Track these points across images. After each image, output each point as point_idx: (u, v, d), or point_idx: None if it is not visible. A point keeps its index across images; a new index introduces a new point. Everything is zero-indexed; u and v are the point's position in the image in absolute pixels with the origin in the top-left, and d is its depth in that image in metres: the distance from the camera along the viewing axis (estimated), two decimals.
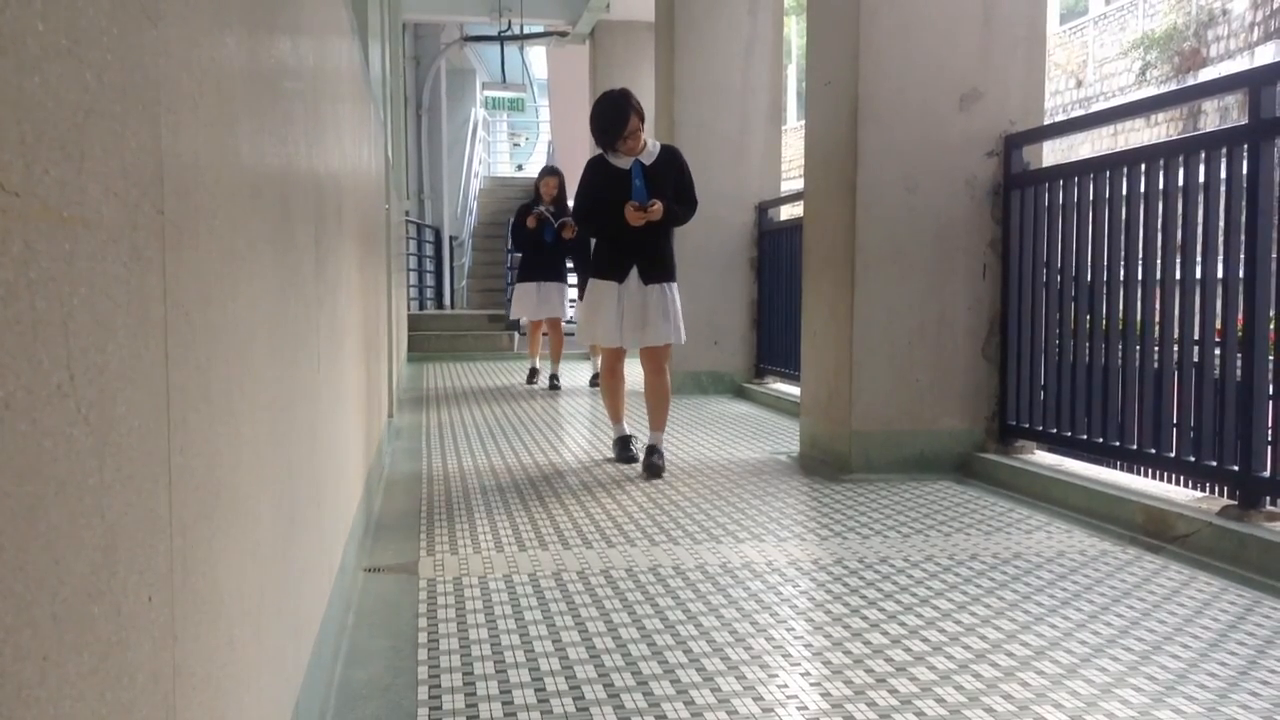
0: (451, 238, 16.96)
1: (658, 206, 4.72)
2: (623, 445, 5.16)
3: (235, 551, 1.27)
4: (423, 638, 2.58)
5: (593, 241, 6.21)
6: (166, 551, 0.95)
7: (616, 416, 5.21)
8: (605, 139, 4.84)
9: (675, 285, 4.94)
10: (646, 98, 9.14)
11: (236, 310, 1.29)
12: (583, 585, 3.00)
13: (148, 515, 0.89)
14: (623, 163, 4.88)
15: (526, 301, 8.49)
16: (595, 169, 4.98)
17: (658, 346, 4.91)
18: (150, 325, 0.88)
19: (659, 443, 4.88)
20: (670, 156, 4.94)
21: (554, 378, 8.50)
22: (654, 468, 4.73)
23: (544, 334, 8.87)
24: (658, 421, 4.94)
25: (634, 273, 4.84)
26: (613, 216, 4.79)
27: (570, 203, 6.17)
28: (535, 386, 8.55)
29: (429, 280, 15.66)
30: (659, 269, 4.87)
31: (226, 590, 1.21)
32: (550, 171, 8.59)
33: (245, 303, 1.35)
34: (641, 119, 4.82)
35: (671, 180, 4.88)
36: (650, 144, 4.92)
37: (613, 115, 4.81)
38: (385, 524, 3.81)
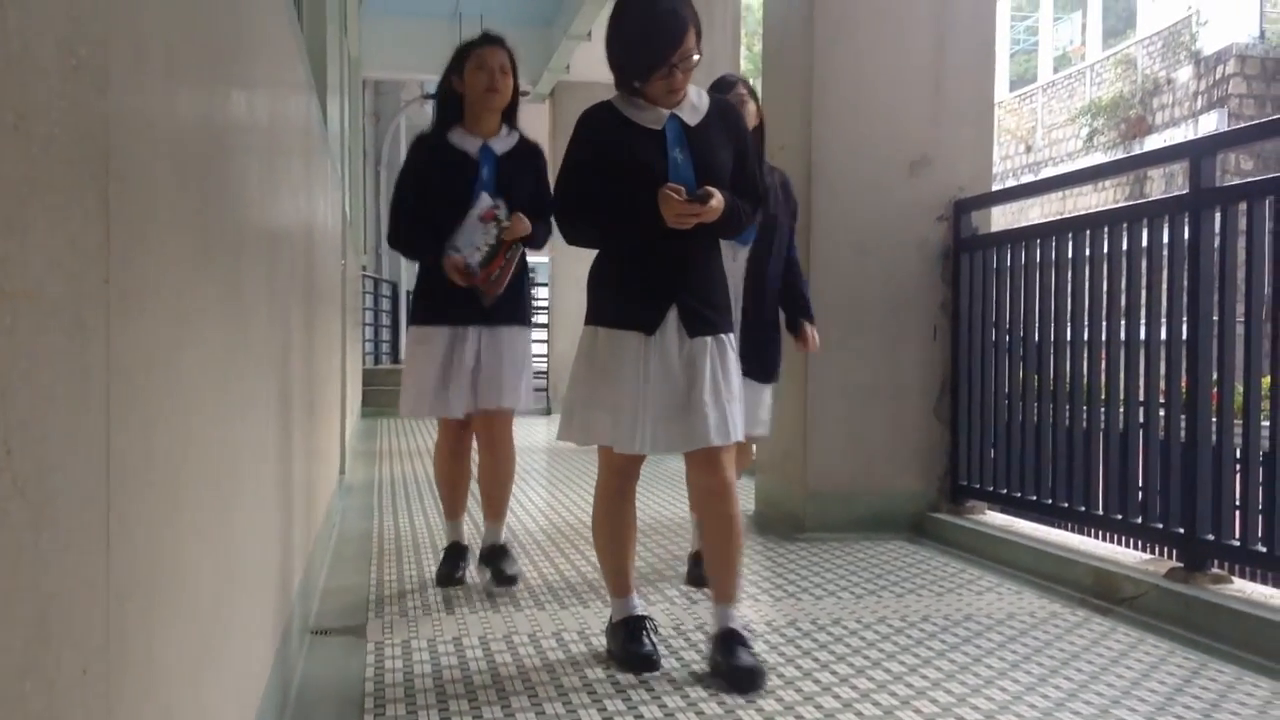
0: (408, 292, 16.92)
1: (717, 199, 2.71)
2: (632, 632, 2.85)
3: (175, 618, 1.25)
4: (369, 703, 2.53)
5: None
6: (103, 622, 0.93)
7: (622, 580, 2.94)
8: (642, 65, 2.74)
9: (735, 338, 2.92)
10: None
11: (182, 372, 1.28)
12: (534, 648, 2.97)
13: (84, 585, 0.88)
14: (650, 118, 2.80)
15: (425, 373, 3.58)
16: (600, 126, 2.86)
17: (722, 448, 2.76)
18: (91, 394, 0.87)
19: (733, 623, 2.76)
20: (724, 115, 2.90)
21: (498, 552, 3.69)
22: (744, 675, 2.64)
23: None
24: (725, 587, 2.80)
25: (673, 316, 2.76)
26: (637, 213, 2.74)
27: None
28: (465, 577, 3.74)
29: (385, 335, 15.60)
30: (714, 309, 2.82)
31: (164, 658, 1.19)
32: (486, 40, 3.65)
33: (192, 365, 1.34)
34: (700, 38, 2.77)
35: (728, 153, 2.86)
36: (692, 91, 2.87)
37: (659, 24, 2.72)
38: (334, 584, 3.76)
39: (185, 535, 1.30)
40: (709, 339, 2.76)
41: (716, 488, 2.78)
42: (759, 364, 3.60)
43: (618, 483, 2.94)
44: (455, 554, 3.79)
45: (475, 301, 3.48)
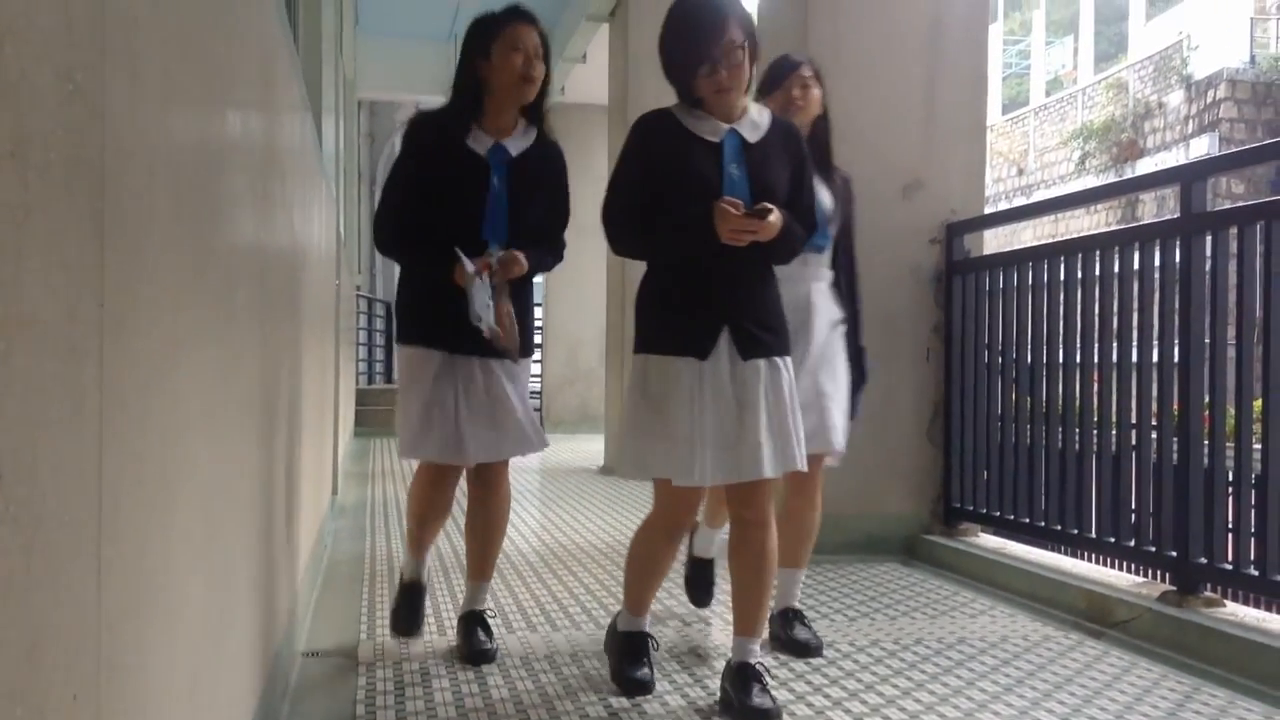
0: None
1: (775, 215, 2.58)
2: (633, 651, 2.86)
3: (166, 641, 1.24)
4: None
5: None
6: (94, 646, 0.93)
7: (641, 604, 2.90)
8: (685, 63, 2.65)
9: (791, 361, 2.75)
10: (598, 179, 9.18)
11: (175, 394, 1.28)
12: (526, 671, 2.96)
13: (75, 609, 0.88)
14: (708, 130, 2.68)
15: (430, 407, 3.03)
16: (654, 133, 2.73)
17: (765, 481, 2.66)
18: (84, 417, 0.87)
19: (752, 658, 2.67)
20: (785, 135, 2.76)
21: (480, 624, 3.16)
22: (757, 717, 2.54)
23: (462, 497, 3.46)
24: (750, 620, 2.71)
25: (724, 339, 2.63)
26: (689, 226, 2.61)
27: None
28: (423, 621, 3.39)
29: (379, 354, 15.58)
30: (768, 330, 2.68)
31: (155, 682, 1.19)
32: (518, 16, 3.03)
33: (185, 386, 1.34)
34: (754, 46, 2.66)
35: (786, 175, 2.74)
36: (754, 109, 2.77)
37: (697, 18, 2.62)
38: (325, 606, 3.74)
39: (176, 560, 1.30)
40: (761, 361, 2.62)
41: (752, 518, 2.68)
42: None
43: (669, 521, 2.80)
44: (416, 595, 3.29)
45: (473, 329, 2.89)
